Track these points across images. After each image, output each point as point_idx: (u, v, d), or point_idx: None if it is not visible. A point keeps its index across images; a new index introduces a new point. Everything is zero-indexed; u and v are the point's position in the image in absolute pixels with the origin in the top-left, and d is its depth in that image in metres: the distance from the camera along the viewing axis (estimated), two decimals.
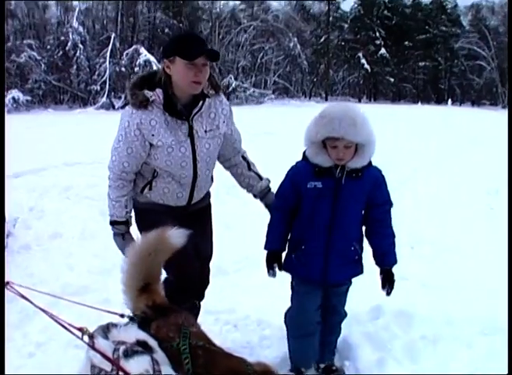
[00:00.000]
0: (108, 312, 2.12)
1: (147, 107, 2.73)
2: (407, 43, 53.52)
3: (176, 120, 2.77)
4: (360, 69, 51.85)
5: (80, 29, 36.07)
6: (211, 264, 3.25)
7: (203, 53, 2.65)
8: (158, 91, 2.76)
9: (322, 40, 50.88)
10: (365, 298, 3.39)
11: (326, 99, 48.42)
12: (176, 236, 2.36)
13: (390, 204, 2.86)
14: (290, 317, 2.97)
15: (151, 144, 2.78)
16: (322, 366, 2.96)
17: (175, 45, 2.74)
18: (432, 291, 3.95)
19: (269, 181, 3.19)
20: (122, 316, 2.11)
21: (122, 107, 33.55)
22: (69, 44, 34.80)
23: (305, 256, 2.82)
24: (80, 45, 35.22)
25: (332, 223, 2.76)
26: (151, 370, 1.64)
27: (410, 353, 3.04)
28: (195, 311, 3.08)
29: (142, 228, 2.87)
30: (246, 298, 3.98)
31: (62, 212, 6.61)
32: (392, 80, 52.56)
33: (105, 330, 1.90)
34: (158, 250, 2.33)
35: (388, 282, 2.83)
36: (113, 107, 33.07)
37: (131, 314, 2.17)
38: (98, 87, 33.48)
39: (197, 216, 3.07)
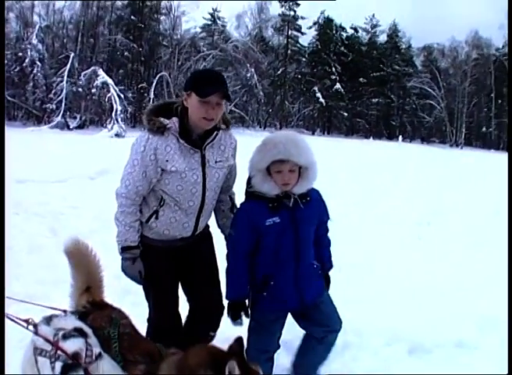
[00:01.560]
0: (52, 308, 2.44)
1: (163, 133, 2.81)
2: (361, 79, 55.29)
3: (189, 149, 2.85)
4: (315, 103, 53.20)
5: (39, 46, 35.98)
6: None
7: (214, 92, 2.74)
8: (175, 119, 2.85)
9: (280, 72, 52.20)
10: None
11: (281, 130, 49.35)
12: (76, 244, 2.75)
13: (328, 218, 3.09)
14: (255, 350, 3.02)
15: (162, 170, 2.84)
16: None
17: (193, 81, 2.85)
18: (349, 306, 4.34)
19: None
20: (64, 311, 2.45)
21: (77, 127, 33.59)
22: (27, 60, 34.68)
23: (277, 290, 2.88)
24: (38, 62, 35.11)
25: (297, 251, 2.86)
26: (84, 349, 2.02)
27: None
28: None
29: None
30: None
31: (11, 226, 6.83)
32: (345, 114, 54.09)
33: (48, 320, 2.26)
34: (77, 259, 2.70)
35: (327, 283, 3.18)
36: (68, 127, 32.97)
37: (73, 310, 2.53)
38: (54, 106, 33.39)
39: (194, 250, 3.11)
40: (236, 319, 2.94)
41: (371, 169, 16.97)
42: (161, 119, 2.84)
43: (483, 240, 7.75)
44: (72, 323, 2.25)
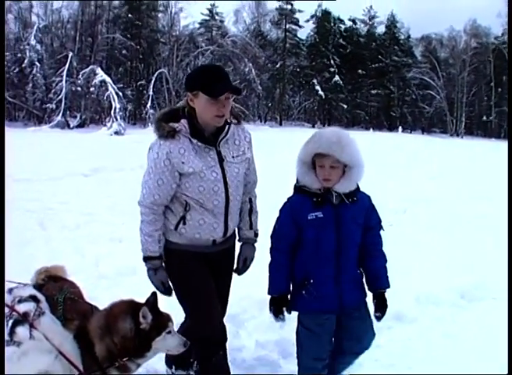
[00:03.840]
0: (18, 283, 2.92)
1: (174, 137, 2.77)
2: (360, 71, 55.43)
3: (203, 147, 2.82)
4: (314, 95, 53.35)
5: (38, 46, 36.38)
6: None
7: (226, 91, 2.74)
8: (184, 121, 2.81)
9: (278, 66, 52.33)
10: (238, 288, 4.19)
11: (281, 124, 49.65)
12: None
13: (381, 227, 2.97)
14: (309, 358, 2.96)
15: (180, 174, 2.80)
16: None
17: (198, 81, 2.78)
18: None
19: (257, 236, 3.18)
20: (25, 284, 2.94)
21: (78, 126, 33.98)
22: (26, 61, 35.13)
23: (316, 289, 2.82)
24: (37, 63, 35.55)
25: (338, 249, 2.80)
26: (33, 310, 2.56)
27: (260, 328, 3.93)
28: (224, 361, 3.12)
29: (170, 272, 2.96)
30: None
31: None
32: (345, 106, 54.14)
33: (10, 290, 2.79)
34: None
35: (381, 307, 2.91)
36: (68, 126, 33.45)
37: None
38: (54, 106, 33.82)
39: (223, 260, 3.07)
40: (278, 314, 2.91)
41: (368, 160, 17.09)
42: (171, 124, 2.82)
43: (454, 225, 8.17)
44: (29, 291, 2.78)
